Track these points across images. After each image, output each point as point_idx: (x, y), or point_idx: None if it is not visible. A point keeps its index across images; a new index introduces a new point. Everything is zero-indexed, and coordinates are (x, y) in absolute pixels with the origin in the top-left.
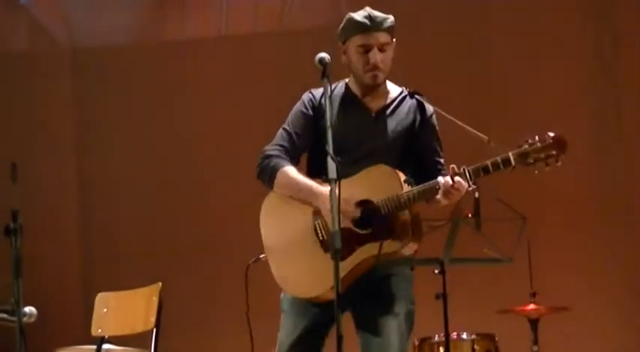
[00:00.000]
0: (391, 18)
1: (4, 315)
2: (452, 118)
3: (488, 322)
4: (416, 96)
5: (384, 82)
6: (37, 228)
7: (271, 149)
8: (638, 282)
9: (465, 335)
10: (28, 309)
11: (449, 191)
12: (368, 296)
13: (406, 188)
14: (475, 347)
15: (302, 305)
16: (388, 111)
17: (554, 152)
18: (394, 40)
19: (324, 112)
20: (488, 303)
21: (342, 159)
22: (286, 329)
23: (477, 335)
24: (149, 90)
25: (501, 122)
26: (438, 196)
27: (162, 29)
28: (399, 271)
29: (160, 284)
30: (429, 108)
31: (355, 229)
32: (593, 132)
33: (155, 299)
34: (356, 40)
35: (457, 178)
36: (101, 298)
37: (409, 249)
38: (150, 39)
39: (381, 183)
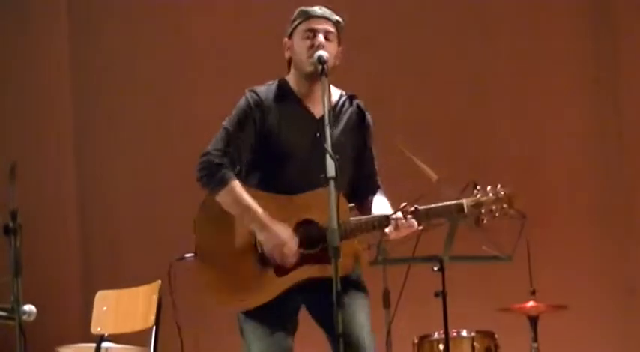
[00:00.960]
0: (340, 18)
1: (4, 314)
2: (404, 150)
3: (487, 319)
4: (356, 101)
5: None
6: (36, 227)
7: (215, 155)
8: (637, 280)
9: (464, 333)
10: (27, 308)
11: (400, 227)
12: (322, 290)
13: (349, 214)
14: (475, 344)
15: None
16: (332, 116)
17: (505, 205)
18: (340, 48)
19: (267, 112)
20: (487, 301)
21: (287, 167)
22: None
23: (477, 332)
24: (149, 87)
25: (499, 123)
26: (387, 230)
27: None
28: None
29: (160, 282)
30: (368, 115)
31: (300, 248)
32: (592, 131)
33: (155, 298)
34: (302, 27)
35: (411, 220)
36: (101, 296)
37: (353, 271)
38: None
39: (327, 208)
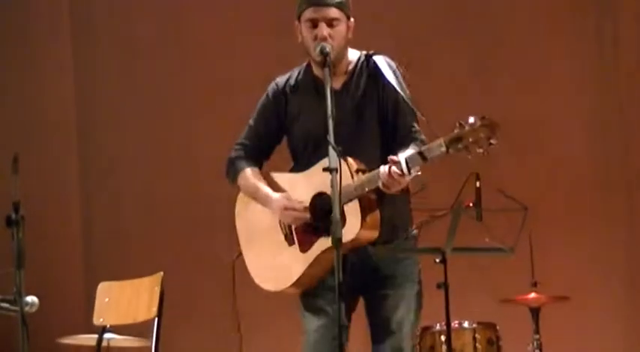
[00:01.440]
0: None
1: (7, 305)
2: (401, 93)
3: (489, 311)
4: (373, 57)
5: (339, 58)
6: (38, 218)
7: (235, 149)
8: (637, 272)
9: (466, 324)
10: (29, 299)
11: (388, 181)
12: (376, 279)
13: (356, 177)
14: (476, 335)
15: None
16: (350, 85)
17: (482, 135)
18: (351, 19)
19: (289, 99)
20: (489, 292)
21: (312, 145)
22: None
23: (479, 324)
24: (151, 80)
25: (500, 114)
26: (380, 186)
27: None
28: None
29: (162, 273)
30: (389, 68)
31: (310, 222)
32: (593, 123)
33: (157, 289)
34: (305, 15)
35: (394, 168)
36: (103, 287)
37: (368, 235)
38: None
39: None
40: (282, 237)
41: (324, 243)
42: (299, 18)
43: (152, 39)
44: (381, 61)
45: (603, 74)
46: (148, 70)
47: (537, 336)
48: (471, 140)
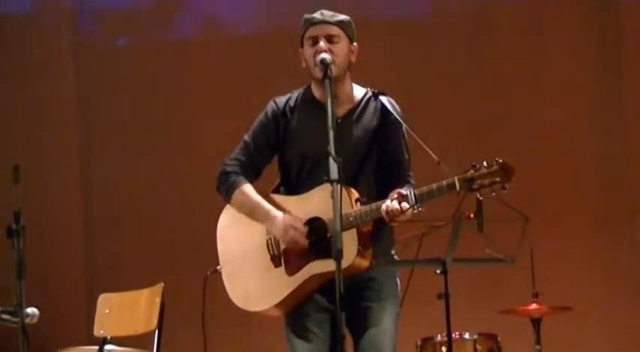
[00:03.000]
0: (344, 17)
1: (7, 316)
2: (408, 129)
3: (490, 322)
4: (380, 97)
5: (340, 78)
6: (39, 228)
7: (230, 164)
8: (638, 282)
9: (467, 335)
10: (30, 310)
11: (393, 215)
12: (357, 295)
13: (356, 207)
14: (477, 346)
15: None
16: (353, 116)
17: (498, 179)
18: (354, 44)
19: (288, 120)
20: (490, 303)
21: (307, 167)
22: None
23: (480, 334)
24: (152, 89)
25: (502, 116)
26: (384, 217)
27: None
28: (388, 271)
29: (163, 285)
30: (394, 110)
31: (304, 246)
32: (596, 131)
33: (158, 300)
34: (306, 35)
35: (403, 204)
36: (104, 299)
37: (361, 264)
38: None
39: (332, 201)
40: (268, 258)
41: (313, 267)
42: (302, 42)
43: (156, 50)
44: (387, 102)
45: (604, 81)
46: (151, 78)
47: (538, 347)
48: (485, 182)
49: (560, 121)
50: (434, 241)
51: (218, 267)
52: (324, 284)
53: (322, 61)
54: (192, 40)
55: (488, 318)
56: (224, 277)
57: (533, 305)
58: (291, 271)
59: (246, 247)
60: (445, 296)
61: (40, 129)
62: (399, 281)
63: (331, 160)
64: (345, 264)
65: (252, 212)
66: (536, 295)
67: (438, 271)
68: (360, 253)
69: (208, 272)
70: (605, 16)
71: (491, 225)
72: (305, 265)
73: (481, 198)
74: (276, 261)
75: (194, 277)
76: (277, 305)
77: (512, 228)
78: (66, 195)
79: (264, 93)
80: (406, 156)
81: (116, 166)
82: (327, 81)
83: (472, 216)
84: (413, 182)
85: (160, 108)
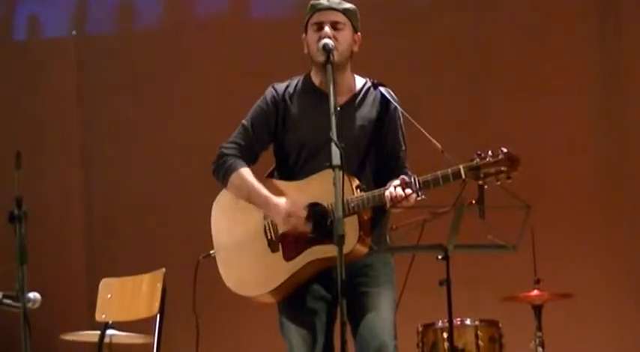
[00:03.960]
0: (351, 5)
1: (9, 301)
2: (410, 119)
3: (491, 308)
4: (380, 87)
5: (342, 65)
6: (41, 214)
7: (228, 147)
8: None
9: (468, 322)
10: (32, 295)
11: (397, 201)
12: (355, 281)
13: (357, 193)
14: (479, 333)
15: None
16: (353, 106)
17: (504, 168)
18: (358, 34)
19: (287, 106)
20: (491, 290)
21: (305, 155)
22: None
23: (481, 321)
24: (152, 81)
25: (503, 111)
26: (387, 203)
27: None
28: (384, 257)
29: (164, 270)
30: (393, 103)
31: (305, 231)
32: (597, 120)
33: (159, 285)
34: (311, 21)
35: (407, 190)
36: (105, 284)
37: (360, 251)
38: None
39: (333, 187)
40: (265, 243)
41: (312, 253)
42: (306, 28)
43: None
44: (387, 93)
45: (605, 75)
46: (152, 72)
47: (540, 334)
48: (491, 171)
49: (561, 112)
50: (436, 227)
51: (211, 252)
52: (321, 272)
53: (325, 46)
54: (193, 38)
55: (490, 305)
56: (218, 262)
57: (535, 292)
58: (289, 256)
59: (242, 232)
60: (447, 282)
61: (42, 117)
62: (393, 268)
63: (333, 146)
64: (345, 249)
65: (249, 196)
66: (537, 282)
67: (439, 257)
68: (360, 239)
69: (201, 257)
70: (605, 10)
71: (493, 212)
72: (304, 250)
73: (485, 187)
74: (273, 246)
75: (193, 263)
76: (274, 291)
77: (514, 215)
78: (67, 180)
79: (264, 88)
80: (403, 148)
81: (117, 153)
82: (328, 66)
83: (474, 202)
84: (410, 173)
85: (159, 99)
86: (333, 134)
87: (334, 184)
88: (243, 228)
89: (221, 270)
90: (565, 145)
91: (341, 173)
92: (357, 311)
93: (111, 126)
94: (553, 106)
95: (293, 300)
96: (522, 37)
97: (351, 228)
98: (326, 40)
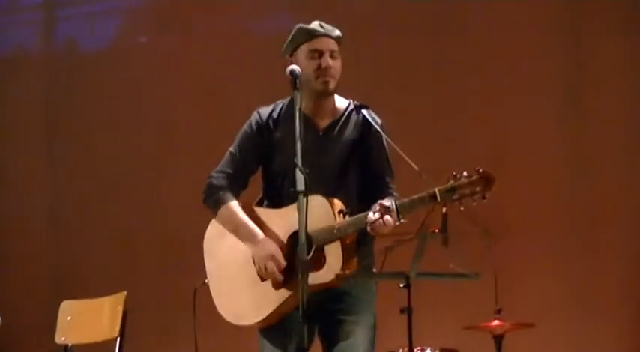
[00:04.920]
0: (339, 32)
1: None
2: (389, 141)
3: (452, 337)
4: (362, 110)
5: (334, 93)
6: (4, 235)
7: (217, 177)
8: (601, 299)
9: (429, 351)
10: None
11: (376, 226)
12: (333, 308)
13: (340, 219)
14: None
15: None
16: (336, 128)
17: (478, 189)
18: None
19: (272, 131)
20: (453, 318)
21: (291, 179)
22: None
23: (441, 349)
24: (121, 93)
25: (464, 138)
26: (368, 229)
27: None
28: (363, 283)
29: (125, 293)
30: (376, 123)
31: (291, 259)
32: (559, 144)
33: (120, 308)
34: (307, 47)
35: (387, 217)
36: (66, 306)
37: (342, 277)
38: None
39: (316, 213)
40: (255, 272)
41: (297, 282)
42: (293, 51)
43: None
44: (369, 115)
45: (568, 104)
46: (118, 82)
47: None
48: (466, 192)
49: (524, 140)
50: (399, 255)
51: (206, 281)
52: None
53: (291, 72)
54: (159, 43)
55: (451, 333)
56: (212, 291)
57: (496, 322)
58: (277, 285)
59: (233, 261)
60: (408, 310)
61: (8, 132)
62: (374, 293)
63: (298, 171)
64: (329, 276)
65: (236, 230)
66: (498, 311)
67: (401, 285)
68: (344, 265)
69: (197, 286)
70: (572, 24)
71: (456, 240)
72: (291, 278)
73: (462, 209)
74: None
75: (159, 285)
76: (264, 319)
77: (477, 243)
78: (32, 199)
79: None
80: (388, 168)
81: (84, 173)
82: (296, 92)
83: (437, 230)
84: (395, 193)
85: (127, 112)
86: (298, 160)
87: (298, 209)
88: (234, 256)
89: (215, 300)
90: (528, 175)
91: (305, 200)
92: (332, 338)
93: (80, 141)
94: (515, 133)
95: (273, 327)
96: (491, 66)
97: (334, 254)
98: (328, 78)
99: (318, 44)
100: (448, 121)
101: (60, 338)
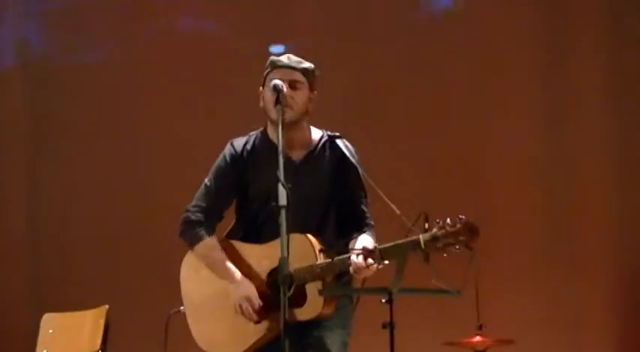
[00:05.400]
0: (309, 64)
1: None
2: (368, 180)
3: None
4: (336, 140)
5: (298, 122)
6: None
7: (193, 211)
8: (583, 316)
9: None
10: None
11: (359, 269)
12: (304, 324)
13: (321, 258)
14: None
15: None
16: (309, 161)
17: (463, 238)
18: (315, 92)
19: (246, 163)
20: (434, 334)
21: (267, 211)
22: None
23: None
24: (103, 102)
25: (443, 154)
26: (351, 271)
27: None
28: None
29: (107, 306)
30: (350, 153)
31: (269, 295)
32: (542, 167)
33: (102, 322)
34: (269, 77)
35: (369, 260)
36: (47, 319)
37: (326, 313)
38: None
39: (298, 252)
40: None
41: (277, 317)
42: (264, 82)
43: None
44: (344, 146)
45: (549, 112)
46: (99, 97)
47: None
48: (450, 241)
49: (505, 156)
50: (381, 271)
51: (181, 308)
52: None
53: (275, 86)
54: (138, 52)
55: (433, 349)
56: (189, 319)
57: (477, 338)
58: (256, 320)
59: (211, 292)
60: (390, 325)
61: None
62: (350, 311)
63: (280, 186)
64: (312, 314)
65: (213, 269)
66: (480, 327)
67: (383, 300)
68: (325, 305)
69: (171, 312)
70: (554, 29)
71: (438, 256)
72: (270, 313)
73: (445, 255)
74: None
75: (140, 300)
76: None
77: (458, 259)
78: (11, 211)
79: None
80: (363, 199)
81: (65, 185)
82: (278, 107)
83: None
84: (371, 222)
85: (107, 126)
86: (280, 174)
87: (279, 222)
88: (212, 288)
89: (192, 328)
90: (508, 191)
91: (284, 212)
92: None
93: (61, 152)
94: (495, 146)
95: None
96: (470, 76)
97: (315, 291)
98: (276, 81)
99: (277, 74)
100: (426, 136)
101: (41, 351)
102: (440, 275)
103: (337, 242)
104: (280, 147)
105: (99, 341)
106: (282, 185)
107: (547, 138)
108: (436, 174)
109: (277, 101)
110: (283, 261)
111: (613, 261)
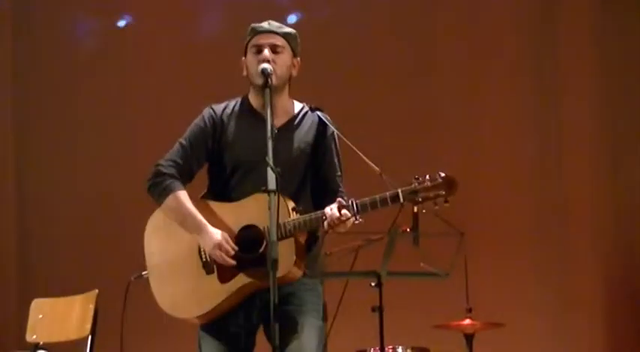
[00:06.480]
0: (291, 29)
1: None
2: (349, 143)
3: (423, 336)
4: (317, 112)
5: (280, 88)
6: None
7: (165, 165)
8: (573, 299)
9: (400, 349)
10: None
11: (334, 223)
12: (280, 309)
13: (293, 216)
14: None
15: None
16: (290, 128)
17: (442, 192)
18: (298, 58)
19: (225, 126)
20: (424, 317)
21: (239, 175)
22: None
23: (412, 348)
24: (91, 101)
25: (436, 142)
26: (325, 226)
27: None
28: (309, 285)
29: (97, 291)
30: (330, 126)
31: (239, 253)
32: (532, 150)
33: (91, 307)
34: (251, 43)
35: (344, 211)
36: (37, 304)
37: (295, 274)
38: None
39: (269, 211)
40: (200, 264)
41: (246, 276)
42: (245, 50)
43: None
44: (324, 117)
45: (541, 100)
46: (88, 85)
47: None
48: (430, 195)
49: (496, 139)
50: (369, 254)
51: (143, 273)
52: (247, 298)
53: (263, 70)
54: (130, 44)
55: (422, 332)
56: (151, 283)
57: (467, 321)
58: (223, 278)
59: (176, 252)
60: (379, 309)
61: None
62: (320, 294)
63: (269, 170)
64: (281, 272)
65: (184, 221)
66: (469, 310)
67: (372, 284)
68: (296, 263)
69: (132, 278)
70: (543, 37)
71: (427, 239)
72: (237, 274)
73: (424, 211)
74: (208, 267)
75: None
76: (207, 313)
77: (448, 242)
78: (0, 198)
79: (201, 104)
80: (339, 173)
81: (52, 170)
82: (267, 90)
83: (408, 230)
84: (346, 197)
85: (94, 113)
86: (270, 158)
87: (269, 208)
88: (177, 247)
89: (154, 291)
90: (499, 174)
91: (276, 198)
92: (280, 341)
93: (48, 138)
94: (487, 133)
95: (215, 323)
96: (460, 56)
97: (287, 250)
98: (265, 65)
99: (258, 40)
100: (418, 126)
101: (31, 337)
102: (428, 258)
103: (311, 211)
104: (269, 132)
105: (88, 326)
106: (272, 169)
107: (540, 123)
108: (427, 161)
109: (266, 85)
110: (272, 245)
111: (602, 244)
